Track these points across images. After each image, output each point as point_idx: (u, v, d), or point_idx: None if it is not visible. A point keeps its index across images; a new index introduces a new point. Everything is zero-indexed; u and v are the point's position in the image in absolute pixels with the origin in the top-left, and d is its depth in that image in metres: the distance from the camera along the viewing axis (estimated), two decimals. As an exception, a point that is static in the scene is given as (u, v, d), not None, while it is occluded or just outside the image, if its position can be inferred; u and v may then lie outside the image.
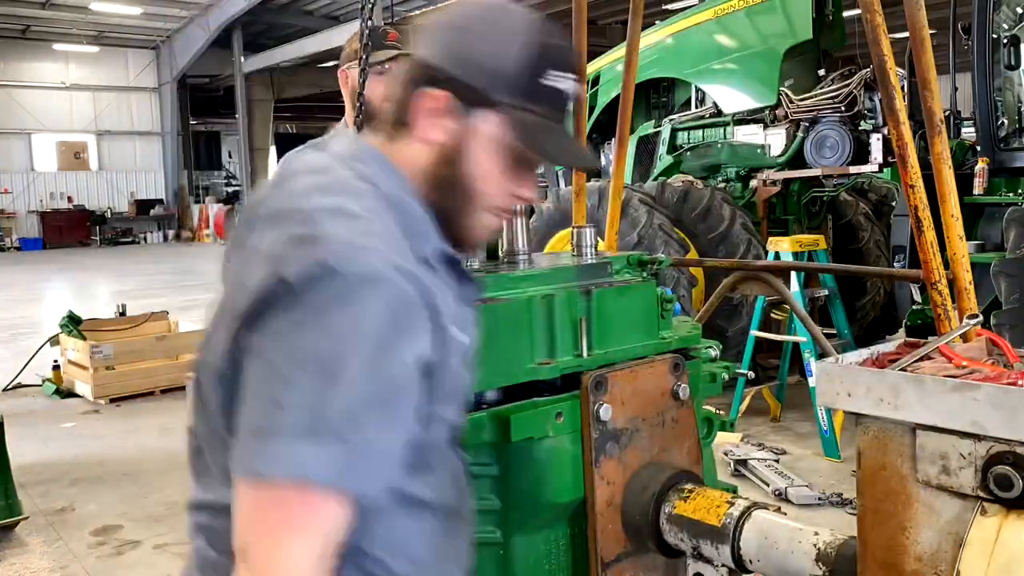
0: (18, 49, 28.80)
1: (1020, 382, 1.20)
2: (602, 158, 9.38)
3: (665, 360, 1.85)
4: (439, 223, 1.23)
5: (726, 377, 2.17)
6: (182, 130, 32.48)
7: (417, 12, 21.63)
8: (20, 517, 4.65)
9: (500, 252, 2.07)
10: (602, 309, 1.80)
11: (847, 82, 7.09)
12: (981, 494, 1.20)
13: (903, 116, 2.63)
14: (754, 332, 5.86)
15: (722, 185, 7.63)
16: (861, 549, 1.37)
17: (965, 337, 1.78)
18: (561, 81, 1.22)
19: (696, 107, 8.26)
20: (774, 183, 7.33)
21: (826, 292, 6.28)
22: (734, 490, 1.90)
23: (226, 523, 1.06)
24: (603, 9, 20.33)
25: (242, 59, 27.97)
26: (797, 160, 7.30)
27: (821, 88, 7.29)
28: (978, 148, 6.27)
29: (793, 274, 5.75)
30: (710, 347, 2.14)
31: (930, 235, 2.67)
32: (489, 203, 1.26)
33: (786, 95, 7.34)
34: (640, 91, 7.51)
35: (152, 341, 8.02)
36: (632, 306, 1.87)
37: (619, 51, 8.66)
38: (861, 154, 7.03)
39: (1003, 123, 6.15)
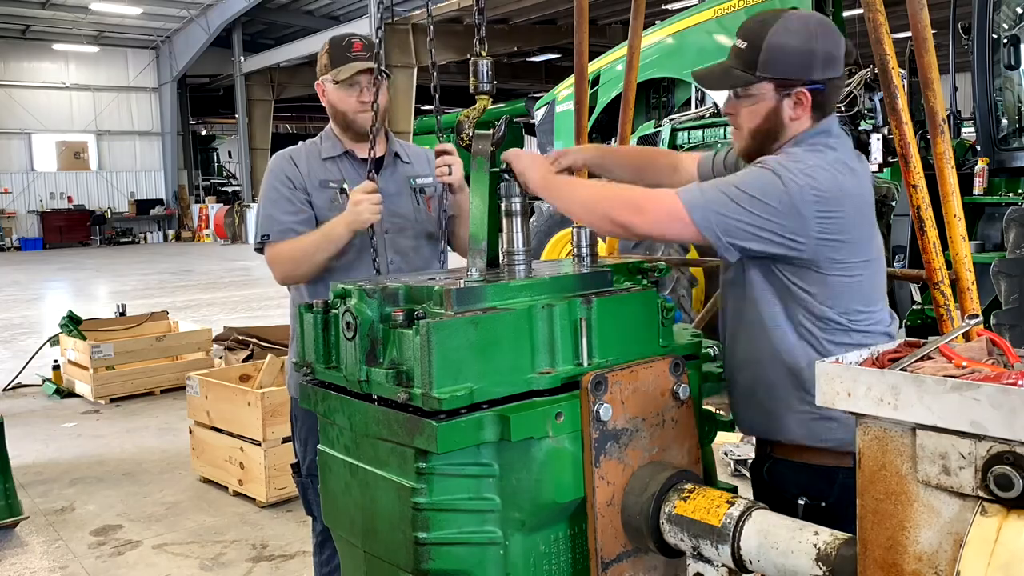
0: (18, 49, 28.81)
1: (1020, 382, 1.19)
2: (602, 158, 9.38)
3: (665, 360, 1.85)
4: None
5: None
6: (182, 130, 32.49)
7: (417, 12, 21.65)
8: (20, 517, 4.65)
9: (500, 254, 2.07)
10: (602, 318, 1.80)
11: (847, 82, 7.09)
12: (981, 494, 1.20)
13: (906, 116, 2.63)
14: (754, 332, 5.85)
15: (722, 185, 7.61)
16: (861, 549, 1.37)
17: (966, 337, 1.78)
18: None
19: (696, 107, 8.26)
20: (774, 183, 7.31)
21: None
22: (734, 490, 1.90)
23: None
24: (603, 9, 20.34)
25: (242, 59, 27.98)
26: (797, 160, 7.29)
27: (821, 88, 7.28)
28: (978, 148, 6.27)
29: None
30: (710, 347, 2.14)
31: (932, 235, 2.67)
32: None
33: (786, 95, 7.33)
34: (640, 91, 7.51)
35: (152, 341, 8.02)
36: (632, 315, 1.87)
37: (619, 51, 8.66)
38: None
39: (1003, 123, 6.15)
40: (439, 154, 2.73)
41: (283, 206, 2.78)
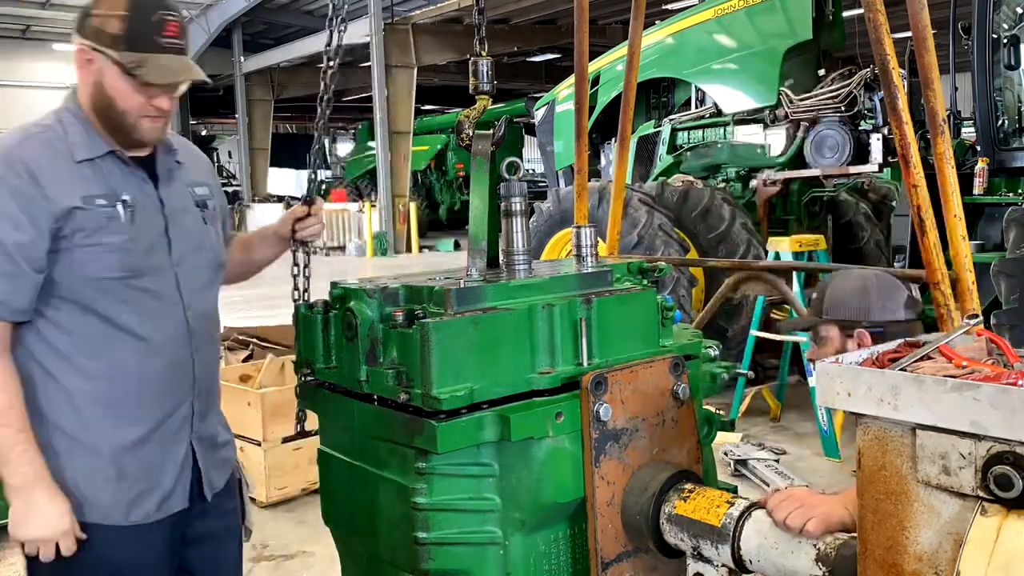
0: (18, 49, 28.81)
1: (1020, 382, 1.19)
2: (602, 158, 9.39)
3: (665, 360, 1.84)
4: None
5: (726, 377, 2.17)
6: (182, 130, 32.50)
7: (417, 12, 21.65)
8: (20, 517, 4.64)
9: (500, 255, 2.07)
10: (602, 318, 1.80)
11: (847, 82, 7.10)
12: (981, 494, 1.20)
13: (906, 116, 2.63)
14: (754, 332, 5.86)
15: (722, 185, 7.63)
16: (861, 549, 1.37)
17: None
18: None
19: (696, 107, 8.27)
20: (774, 183, 7.33)
21: (826, 292, 6.27)
22: (734, 490, 1.90)
23: None
24: (603, 9, 20.33)
25: (242, 59, 27.99)
26: (797, 160, 7.30)
27: (821, 88, 7.30)
28: (978, 148, 6.27)
29: (794, 274, 5.75)
30: (710, 347, 2.14)
31: (932, 235, 2.67)
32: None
33: (786, 95, 7.35)
34: (640, 91, 7.51)
35: (152, 341, 8.00)
36: (632, 314, 1.87)
37: (619, 51, 8.66)
38: (861, 154, 7.03)
39: (1003, 123, 6.15)
40: (303, 217, 2.27)
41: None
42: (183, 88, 1.96)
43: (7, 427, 1.80)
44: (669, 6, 18.33)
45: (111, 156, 1.95)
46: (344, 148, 33.11)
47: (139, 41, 1.86)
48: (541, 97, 10.71)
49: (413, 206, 21.90)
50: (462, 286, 1.73)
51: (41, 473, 1.82)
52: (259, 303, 13.37)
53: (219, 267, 2.17)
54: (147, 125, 1.94)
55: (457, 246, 21.71)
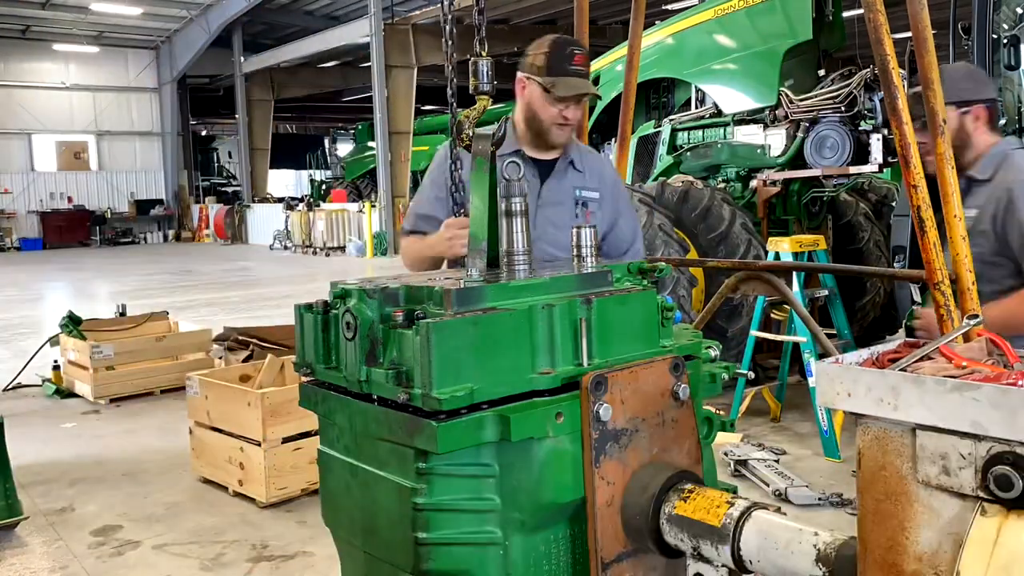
0: (18, 49, 28.83)
1: (1020, 382, 1.19)
2: (602, 158, 9.38)
3: (665, 360, 1.84)
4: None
5: (726, 377, 2.17)
6: (182, 130, 32.51)
7: (417, 12, 21.66)
8: (20, 517, 4.65)
9: (500, 255, 2.07)
10: (602, 318, 1.79)
11: (847, 82, 7.09)
12: (981, 494, 1.20)
13: (906, 116, 2.63)
14: (754, 332, 5.86)
15: (722, 185, 7.63)
16: (861, 549, 1.37)
17: (966, 337, 1.78)
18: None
19: (696, 107, 8.27)
20: (774, 183, 7.33)
21: (826, 292, 6.28)
22: (734, 490, 1.90)
23: None
24: (603, 9, 20.36)
25: (242, 59, 28.01)
26: (797, 160, 7.30)
27: (821, 88, 7.29)
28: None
29: (794, 274, 5.75)
30: (710, 347, 2.13)
31: (932, 235, 2.67)
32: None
33: (786, 95, 7.35)
34: (640, 91, 7.51)
35: (152, 341, 8.02)
36: (632, 315, 1.87)
37: (619, 51, 8.66)
38: (861, 154, 7.03)
39: (1003, 123, 6.15)
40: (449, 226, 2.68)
41: (425, 206, 2.89)
42: (584, 100, 2.78)
43: (420, 244, 2.80)
44: (669, 6, 18.34)
45: (515, 154, 2.68)
46: (344, 148, 33.12)
47: (556, 68, 2.63)
48: (541, 97, 10.69)
49: (413, 206, 21.89)
50: (462, 286, 1.73)
51: (430, 241, 2.73)
52: (259, 303, 13.37)
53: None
54: (556, 131, 2.73)
55: (457, 246, 21.68)
